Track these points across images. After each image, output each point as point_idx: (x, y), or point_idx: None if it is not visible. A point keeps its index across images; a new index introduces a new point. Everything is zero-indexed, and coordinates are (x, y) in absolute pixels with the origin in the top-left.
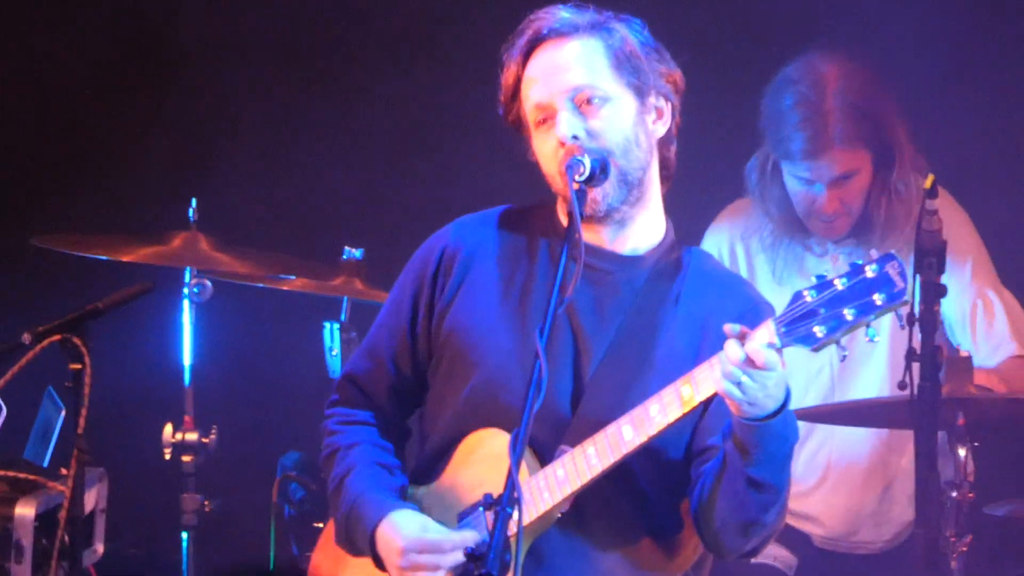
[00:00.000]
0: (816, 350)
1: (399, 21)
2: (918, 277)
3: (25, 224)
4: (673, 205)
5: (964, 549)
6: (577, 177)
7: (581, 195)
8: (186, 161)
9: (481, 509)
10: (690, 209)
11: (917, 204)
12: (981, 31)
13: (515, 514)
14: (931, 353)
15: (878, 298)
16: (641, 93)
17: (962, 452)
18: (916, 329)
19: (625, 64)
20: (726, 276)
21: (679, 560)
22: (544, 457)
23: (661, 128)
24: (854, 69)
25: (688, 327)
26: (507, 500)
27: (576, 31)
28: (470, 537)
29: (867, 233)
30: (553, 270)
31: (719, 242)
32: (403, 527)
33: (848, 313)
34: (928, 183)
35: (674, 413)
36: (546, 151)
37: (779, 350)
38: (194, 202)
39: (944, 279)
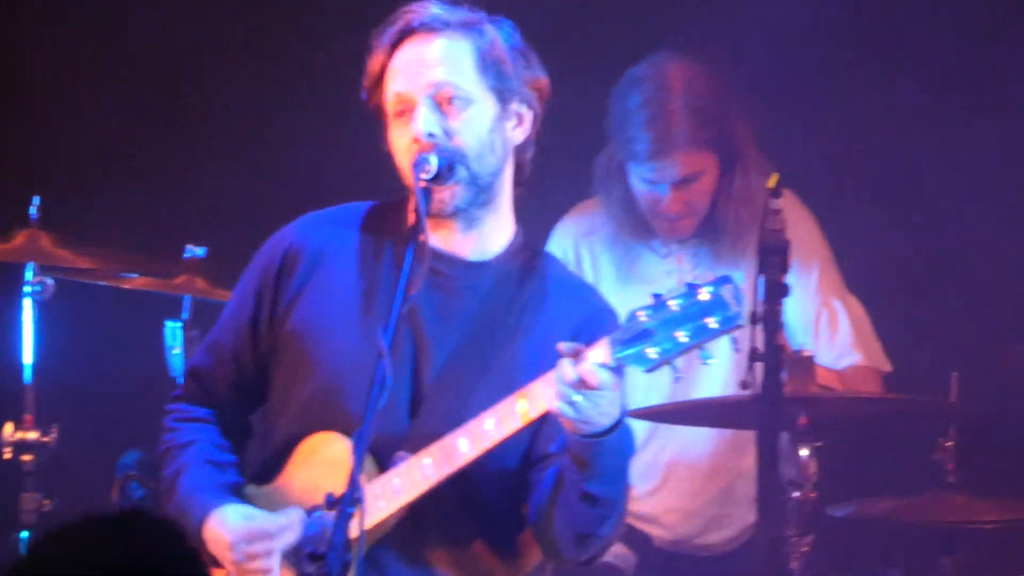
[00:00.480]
0: (649, 371)
1: (236, 18)
2: (762, 277)
3: None
4: (521, 204)
5: (806, 549)
6: (423, 175)
7: (427, 193)
8: (29, 158)
9: (320, 511)
10: (538, 208)
11: (758, 208)
12: (830, 36)
13: (356, 514)
14: (774, 352)
15: (712, 322)
16: (503, 98)
17: (804, 452)
18: (759, 328)
19: (491, 68)
20: (572, 282)
21: (519, 565)
22: (383, 463)
23: (520, 135)
24: (701, 71)
25: (532, 335)
26: (348, 500)
27: (446, 28)
28: (295, 516)
29: (713, 234)
30: (398, 271)
31: (564, 242)
32: (228, 521)
33: (682, 336)
34: (772, 182)
35: (509, 427)
36: (401, 144)
37: (613, 370)
38: (37, 199)
39: (791, 283)
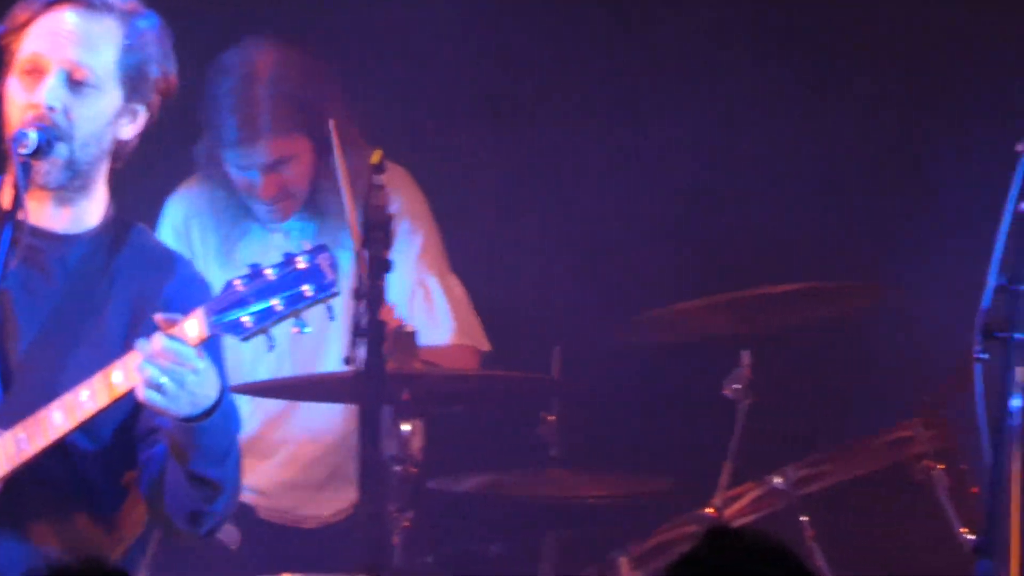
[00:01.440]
0: (245, 339)
1: None
2: (365, 252)
3: None
4: (132, 178)
5: (407, 524)
6: (21, 150)
7: (26, 168)
8: None
9: None
10: (148, 184)
11: (362, 182)
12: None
13: None
14: (376, 328)
15: (307, 289)
16: (129, 96)
17: (407, 427)
18: (363, 304)
19: (130, 64)
20: (161, 253)
21: (118, 535)
22: None
23: (130, 131)
24: (290, 57)
25: (122, 306)
26: None
27: (104, 10)
28: None
29: (318, 213)
30: None
31: (175, 217)
32: None
33: (277, 303)
34: (375, 159)
35: (104, 399)
36: (17, 100)
37: (207, 344)
38: None
39: (394, 257)
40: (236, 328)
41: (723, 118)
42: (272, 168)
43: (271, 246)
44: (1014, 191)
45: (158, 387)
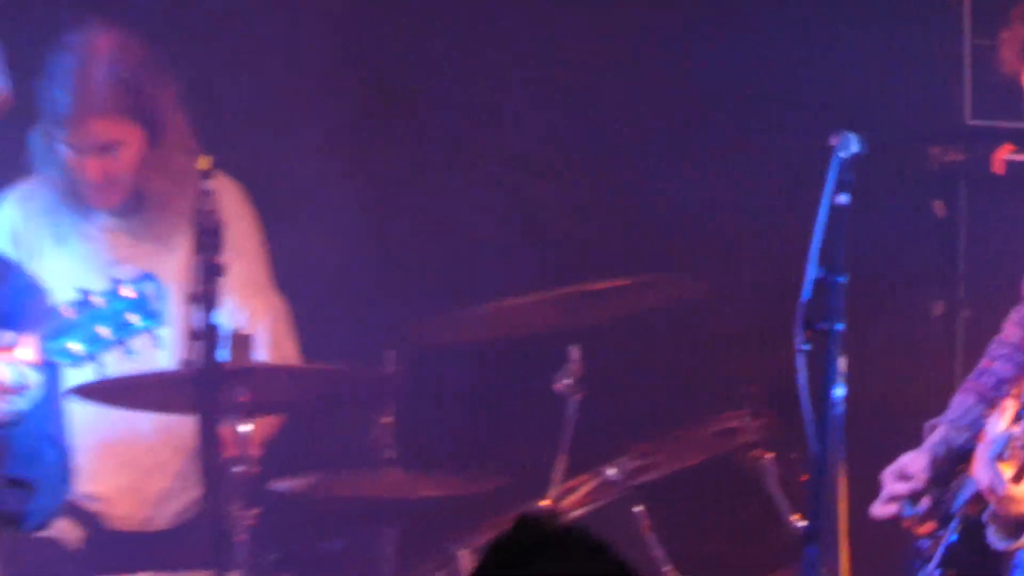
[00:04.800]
0: (75, 366)
1: None
2: (199, 256)
3: None
4: None
5: (250, 523)
6: None
7: None
8: None
9: None
10: None
11: (192, 184)
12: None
13: None
14: (211, 330)
15: (135, 319)
16: None
17: (245, 428)
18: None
19: None
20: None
21: None
22: None
23: None
24: (131, 43)
25: None
26: None
27: None
28: None
29: (142, 208)
30: None
31: (12, 216)
32: None
33: (105, 332)
34: (203, 164)
35: None
36: None
37: (45, 365)
38: None
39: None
40: (67, 355)
41: (556, 115)
42: (101, 151)
43: (102, 243)
44: (829, 184)
45: None
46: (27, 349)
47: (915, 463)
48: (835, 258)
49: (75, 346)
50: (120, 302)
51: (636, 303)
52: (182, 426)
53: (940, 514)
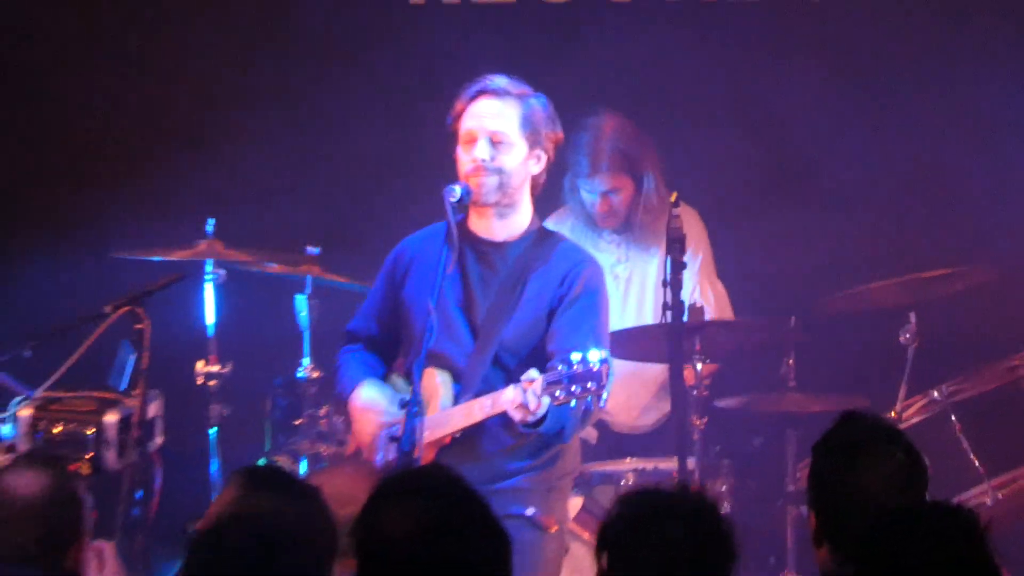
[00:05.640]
0: (556, 405)
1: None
2: (668, 257)
3: (99, 237)
4: (536, 206)
5: (703, 428)
6: (451, 199)
7: (454, 209)
8: (205, 190)
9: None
10: (541, 208)
11: (664, 213)
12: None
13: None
14: (677, 303)
15: (591, 385)
16: (532, 145)
17: (699, 365)
18: (668, 289)
19: (527, 124)
20: (567, 247)
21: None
22: (465, 382)
23: (536, 168)
24: (625, 124)
25: (532, 285)
26: (412, 403)
27: (507, 95)
28: (396, 407)
29: (630, 229)
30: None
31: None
32: (363, 392)
33: (575, 389)
34: (673, 198)
35: (490, 412)
36: (463, 160)
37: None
38: (212, 220)
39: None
40: (553, 398)
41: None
42: (606, 194)
43: (607, 248)
44: None
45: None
46: (537, 384)
47: None
48: None
49: (560, 393)
50: (587, 371)
51: (953, 285)
52: (658, 366)
53: None
